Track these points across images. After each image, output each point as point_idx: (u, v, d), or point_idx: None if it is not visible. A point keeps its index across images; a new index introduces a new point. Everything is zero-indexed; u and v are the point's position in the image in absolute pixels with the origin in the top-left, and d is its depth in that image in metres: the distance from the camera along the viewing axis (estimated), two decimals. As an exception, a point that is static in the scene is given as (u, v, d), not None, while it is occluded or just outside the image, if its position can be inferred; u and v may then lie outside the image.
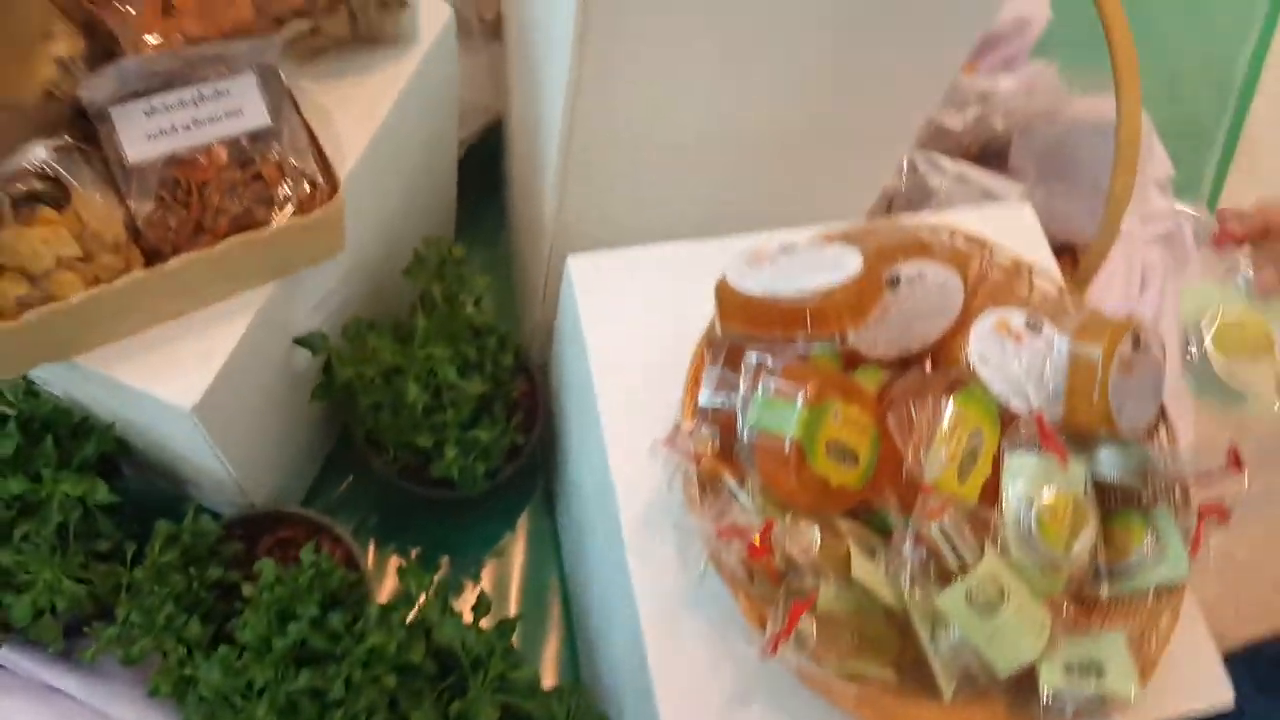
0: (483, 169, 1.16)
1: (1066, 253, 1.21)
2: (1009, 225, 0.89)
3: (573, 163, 0.83)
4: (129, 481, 0.86)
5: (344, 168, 0.78)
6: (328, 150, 0.74)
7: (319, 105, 0.80)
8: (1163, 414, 0.72)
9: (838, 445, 0.62)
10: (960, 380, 0.69)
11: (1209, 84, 1.56)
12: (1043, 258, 0.87)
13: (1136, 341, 0.69)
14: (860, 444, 0.63)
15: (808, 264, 0.68)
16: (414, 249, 0.92)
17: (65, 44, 0.59)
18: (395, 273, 0.93)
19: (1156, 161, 1.40)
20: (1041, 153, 1.14)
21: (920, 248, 0.75)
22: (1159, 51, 1.58)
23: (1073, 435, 0.68)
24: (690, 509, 0.63)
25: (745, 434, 0.63)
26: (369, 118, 0.81)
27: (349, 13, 0.78)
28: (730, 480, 0.64)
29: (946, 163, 1.05)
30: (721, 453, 0.66)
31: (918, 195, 1.04)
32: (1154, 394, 0.70)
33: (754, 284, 0.67)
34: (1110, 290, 1.26)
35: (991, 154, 1.19)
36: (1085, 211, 1.16)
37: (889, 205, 1.06)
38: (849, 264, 0.66)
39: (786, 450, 0.60)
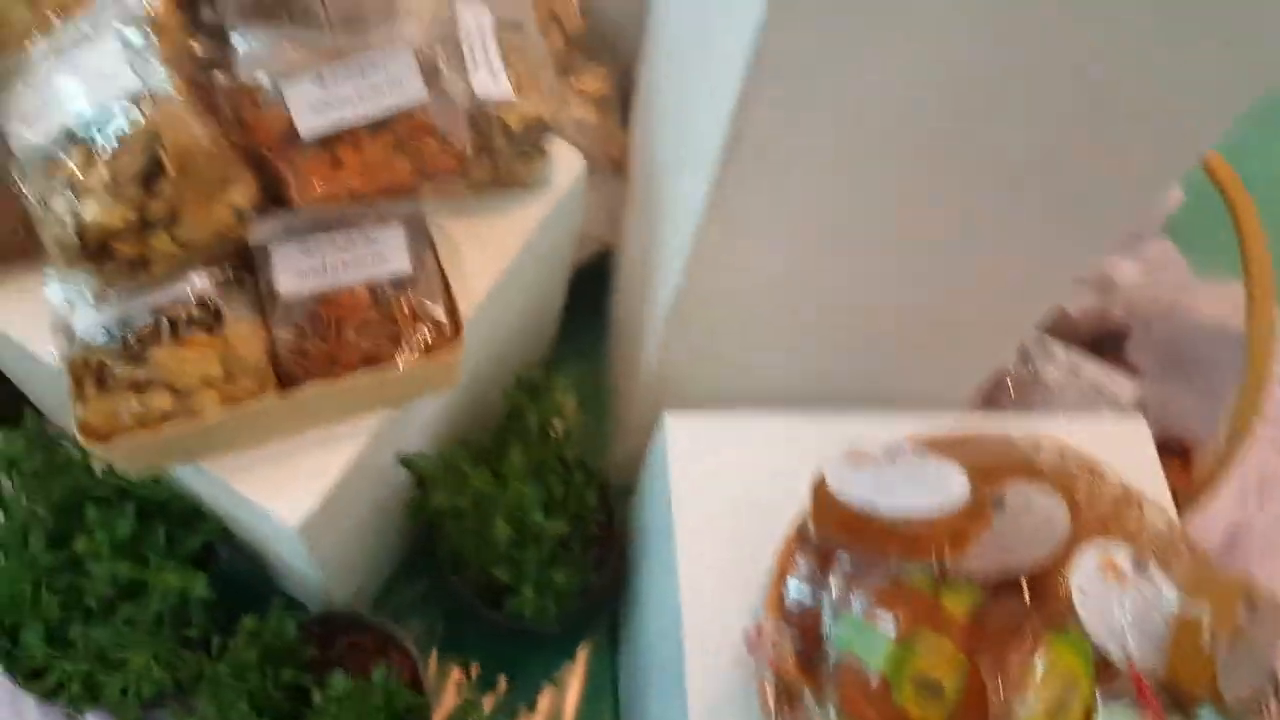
0: (588, 286, 1.19)
1: (1179, 452, 1.17)
2: (1121, 439, 0.86)
3: (683, 313, 0.85)
4: (221, 563, 0.90)
5: (468, 303, 0.81)
6: (456, 291, 0.77)
7: (452, 240, 0.84)
8: (1275, 685, 0.68)
9: (924, 678, 0.60)
10: (1058, 618, 0.67)
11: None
12: (1154, 482, 0.85)
13: (1251, 604, 0.66)
14: (947, 677, 0.62)
15: (911, 478, 0.68)
16: (516, 374, 0.94)
17: (241, 192, 0.64)
18: (496, 388, 0.96)
19: (1284, 360, 1.34)
20: (1161, 349, 1.11)
21: (1027, 469, 0.74)
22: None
23: (1174, 695, 0.65)
24: (765, 720, 0.62)
25: (830, 650, 0.62)
26: (498, 257, 0.85)
27: (491, 161, 0.82)
28: (810, 695, 0.63)
29: (1060, 351, 1.03)
30: (802, 657, 0.65)
31: (1028, 381, 1.03)
32: (1266, 663, 0.67)
33: (853, 492, 0.67)
34: (1225, 498, 1.21)
35: (1107, 339, 1.16)
36: (1203, 413, 1.12)
37: (997, 387, 1.05)
38: (954, 488, 0.66)
39: (871, 682, 0.59)
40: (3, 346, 0.79)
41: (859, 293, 0.83)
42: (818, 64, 0.60)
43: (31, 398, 0.95)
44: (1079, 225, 0.75)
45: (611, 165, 1.05)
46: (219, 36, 0.71)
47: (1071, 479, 0.76)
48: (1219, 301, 1.18)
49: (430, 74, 0.68)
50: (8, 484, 0.84)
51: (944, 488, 0.66)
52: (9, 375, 0.91)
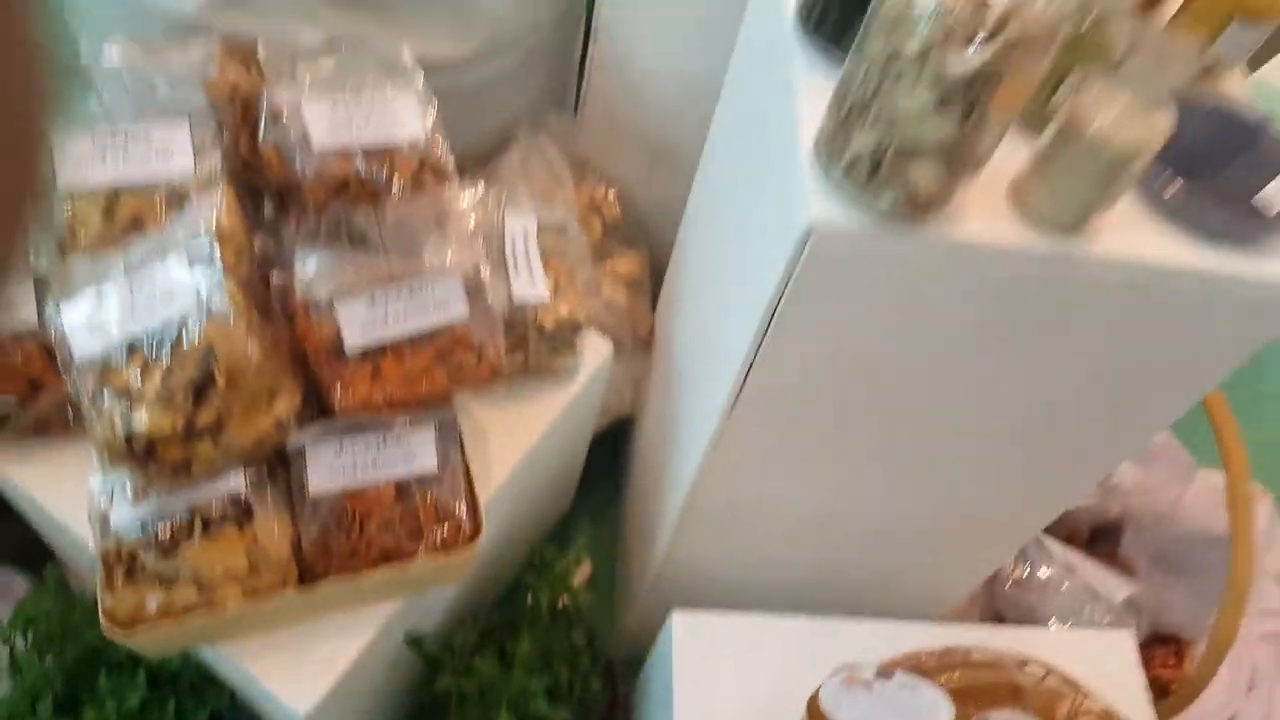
0: (607, 447, 1.23)
1: (1174, 646, 1.19)
2: (1107, 655, 0.88)
3: (694, 513, 0.88)
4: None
5: (490, 487, 0.85)
6: (479, 480, 0.81)
7: (479, 424, 0.88)
8: None
9: None
10: None
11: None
12: (1137, 696, 0.86)
13: None
14: None
15: (900, 704, 0.70)
16: (529, 550, 0.97)
17: (285, 403, 0.69)
18: (512, 555, 0.98)
19: (1278, 553, 1.37)
20: (1155, 548, 1.14)
21: (1012, 691, 0.76)
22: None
23: None
24: None
25: None
26: (522, 440, 0.89)
27: (524, 355, 0.87)
28: None
29: (1057, 549, 1.06)
30: None
31: (1023, 578, 1.05)
32: None
33: (846, 717, 0.69)
34: (1214, 687, 1.21)
35: (1104, 533, 1.19)
36: (1192, 610, 1.14)
37: (993, 580, 1.07)
38: (940, 717, 0.68)
39: None
40: (35, 510, 0.82)
41: (868, 511, 0.87)
42: (831, 332, 0.64)
43: (54, 548, 0.98)
44: (1074, 466, 0.79)
45: (639, 343, 1.10)
46: (276, 232, 0.77)
47: (1056, 697, 0.78)
48: (1213, 502, 1.21)
49: (474, 293, 0.74)
50: (21, 643, 0.86)
51: (930, 717, 0.68)
52: (36, 528, 0.94)
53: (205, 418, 0.66)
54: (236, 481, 0.70)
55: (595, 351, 0.95)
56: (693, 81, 1.01)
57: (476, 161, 1.10)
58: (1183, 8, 0.65)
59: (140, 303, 0.67)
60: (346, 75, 0.77)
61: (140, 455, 0.66)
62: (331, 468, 0.73)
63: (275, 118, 0.74)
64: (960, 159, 0.52)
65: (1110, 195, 0.55)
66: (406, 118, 0.77)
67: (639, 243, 1.13)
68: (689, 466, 0.85)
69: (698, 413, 0.84)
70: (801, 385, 0.70)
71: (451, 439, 0.78)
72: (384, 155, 0.76)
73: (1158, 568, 1.14)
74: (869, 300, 0.62)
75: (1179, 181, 0.59)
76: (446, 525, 0.76)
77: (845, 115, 0.54)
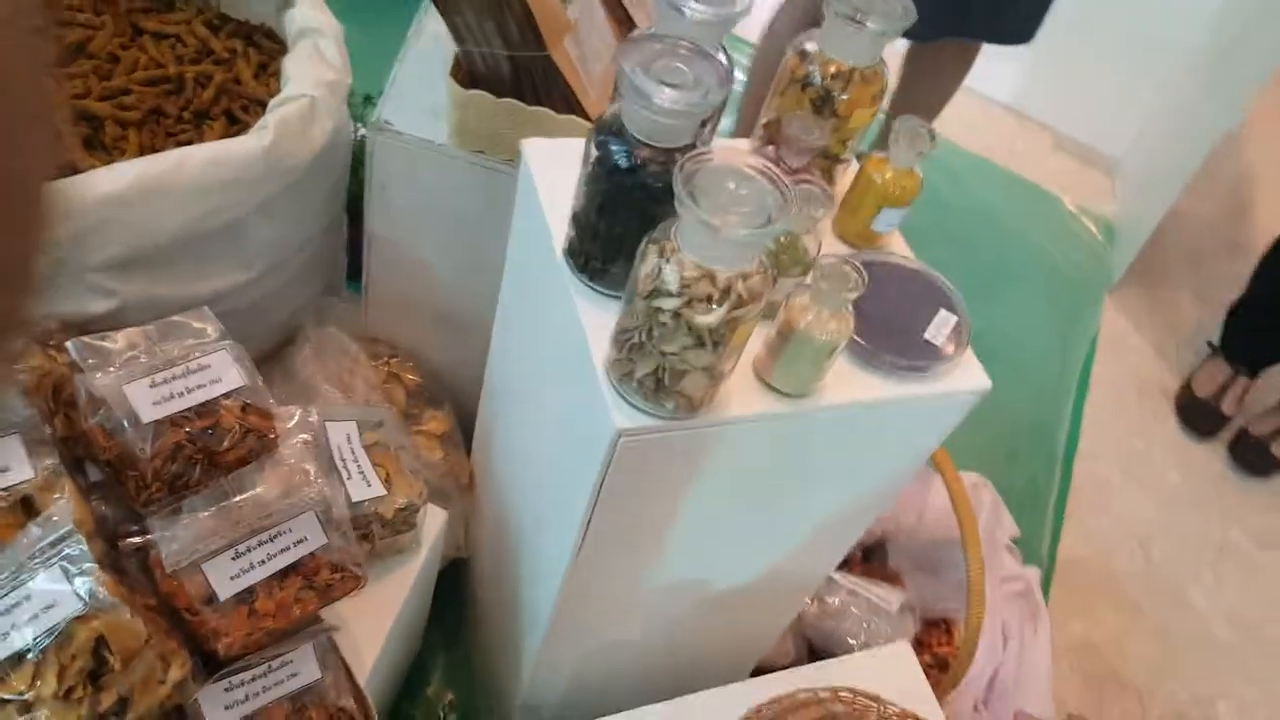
0: (445, 582, 1.32)
1: (942, 624, 1.46)
2: (893, 665, 1.11)
3: (553, 637, 1.01)
4: None
5: (364, 670, 0.93)
6: (353, 663, 0.89)
7: (342, 618, 0.96)
8: None
9: None
10: None
11: (1040, 451, 1.91)
12: (920, 690, 1.09)
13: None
14: None
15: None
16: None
17: (179, 667, 0.75)
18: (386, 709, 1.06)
19: (1004, 526, 1.70)
20: (914, 555, 1.40)
21: (834, 718, 0.96)
22: (998, 425, 1.92)
23: None
24: None
25: None
26: (383, 620, 0.98)
27: (371, 545, 0.96)
28: None
29: (841, 579, 1.28)
30: None
31: (821, 609, 1.27)
32: None
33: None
34: (983, 649, 1.50)
35: (873, 549, 1.45)
36: (951, 597, 1.42)
37: (801, 617, 1.28)
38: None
39: None
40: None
41: (705, 592, 1.03)
42: (648, 494, 0.80)
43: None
44: (843, 529, 1.01)
45: (459, 488, 1.21)
46: (110, 494, 0.82)
47: (866, 711, 0.99)
48: (949, 507, 1.49)
49: (326, 520, 0.82)
50: None
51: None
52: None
53: (108, 701, 0.71)
54: (143, 740, 0.75)
55: (433, 520, 1.05)
56: (469, 259, 1.14)
57: (269, 357, 1.16)
58: (846, 198, 0.87)
59: (19, 616, 0.70)
60: (155, 348, 0.83)
61: (46, 753, 0.70)
62: (226, 703, 0.80)
63: (97, 404, 0.79)
64: (717, 373, 0.70)
65: (822, 370, 0.75)
66: (221, 372, 0.83)
67: (442, 400, 1.24)
68: (544, 601, 0.98)
69: (542, 555, 0.97)
70: (633, 533, 0.85)
71: (328, 646, 0.86)
72: (209, 411, 0.82)
73: (919, 570, 1.41)
74: (673, 468, 0.78)
75: (875, 336, 0.80)
76: (340, 722, 0.85)
77: (627, 351, 0.70)
